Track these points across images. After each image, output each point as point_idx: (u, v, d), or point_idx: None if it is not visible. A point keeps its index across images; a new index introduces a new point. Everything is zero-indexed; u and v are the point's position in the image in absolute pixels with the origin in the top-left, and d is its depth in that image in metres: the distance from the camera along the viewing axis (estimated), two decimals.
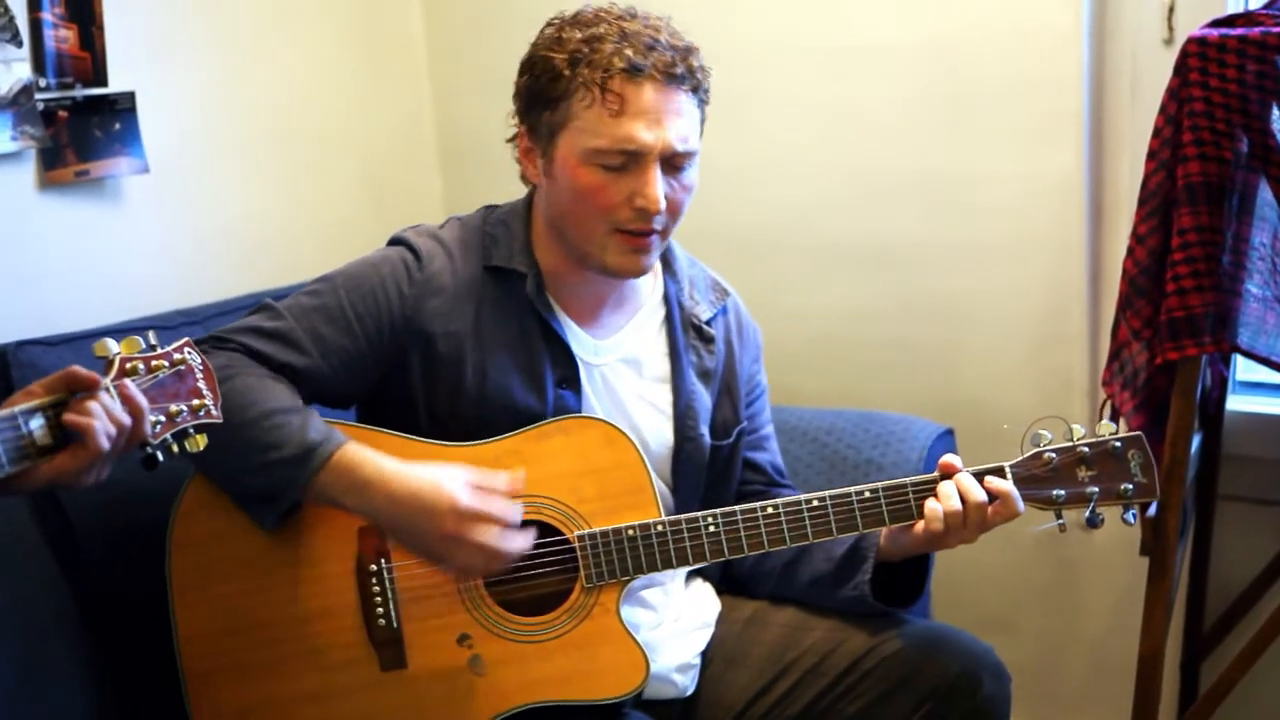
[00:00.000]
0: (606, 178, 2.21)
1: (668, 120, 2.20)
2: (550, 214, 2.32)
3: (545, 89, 2.24)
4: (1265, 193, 2.44)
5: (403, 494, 2.11)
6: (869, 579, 2.29)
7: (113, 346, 1.88)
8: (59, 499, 2.31)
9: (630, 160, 2.20)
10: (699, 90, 2.26)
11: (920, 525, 2.18)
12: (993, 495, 2.17)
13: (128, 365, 1.88)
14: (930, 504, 2.17)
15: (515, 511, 2.12)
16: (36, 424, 1.72)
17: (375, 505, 2.13)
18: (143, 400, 1.83)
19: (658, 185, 2.21)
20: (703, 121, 2.31)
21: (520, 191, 2.43)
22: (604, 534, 2.21)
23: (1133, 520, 2.26)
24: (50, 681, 2.25)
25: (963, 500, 2.16)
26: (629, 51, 2.19)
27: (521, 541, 2.13)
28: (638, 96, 2.19)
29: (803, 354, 2.88)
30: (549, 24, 2.31)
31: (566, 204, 2.26)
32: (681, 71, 2.22)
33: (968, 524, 2.16)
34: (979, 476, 2.19)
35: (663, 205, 2.21)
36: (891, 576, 2.31)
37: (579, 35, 2.22)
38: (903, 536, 2.23)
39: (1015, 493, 2.18)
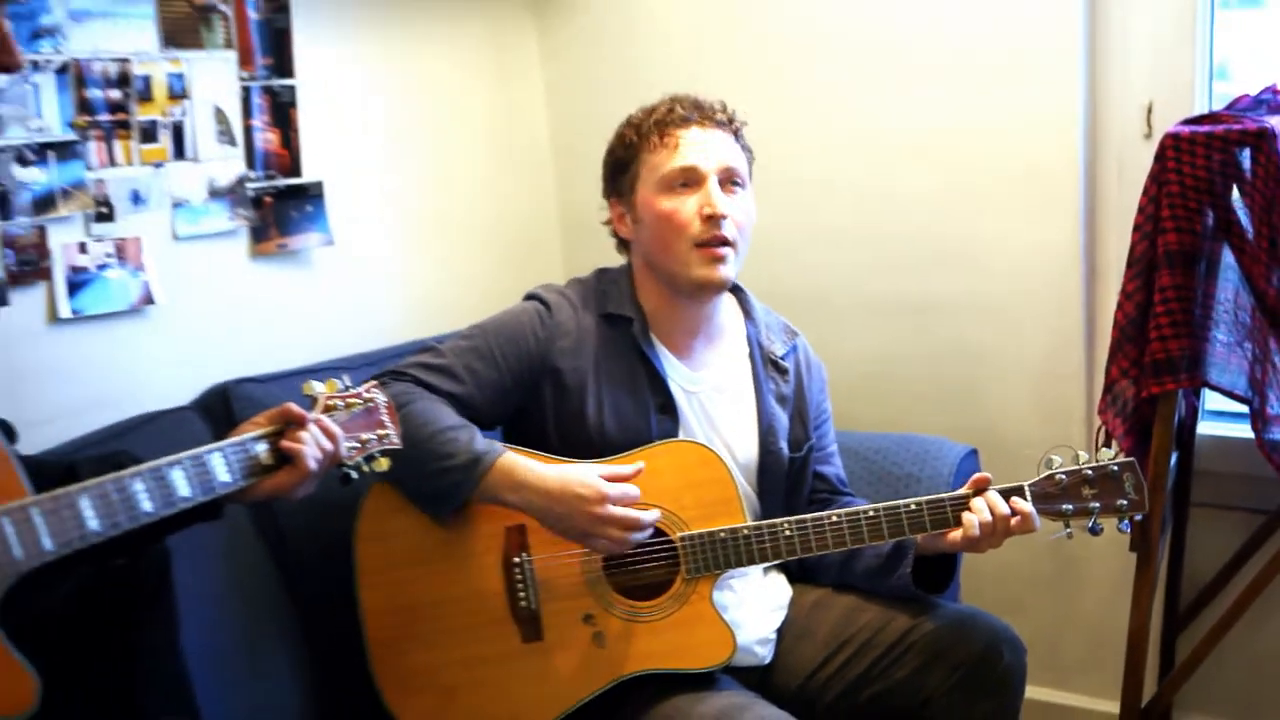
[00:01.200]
0: (677, 201, 2.28)
1: (715, 148, 2.31)
2: (645, 254, 2.37)
3: (621, 156, 2.36)
4: (1228, 257, 2.45)
5: (555, 487, 2.16)
6: (910, 570, 2.28)
7: (317, 387, 1.93)
8: (272, 507, 2.33)
9: (692, 180, 2.28)
10: (739, 136, 2.36)
11: (958, 533, 2.18)
12: (1015, 511, 2.17)
13: (329, 402, 1.92)
14: (967, 516, 2.17)
15: (636, 491, 2.17)
16: (261, 448, 1.76)
17: (532, 498, 2.17)
18: (339, 430, 1.87)
19: (718, 195, 2.28)
20: (750, 164, 2.38)
21: (618, 257, 2.48)
22: (701, 536, 2.23)
23: (1127, 529, 2.26)
24: (268, 652, 2.29)
25: (991, 513, 2.16)
26: (679, 108, 2.32)
27: (650, 515, 2.17)
28: (689, 135, 2.30)
29: (853, 388, 2.87)
30: (620, 124, 2.42)
31: (653, 236, 2.32)
32: (722, 119, 2.34)
33: (995, 533, 2.16)
34: (1005, 495, 2.19)
35: (725, 212, 2.27)
36: (926, 568, 2.31)
37: (640, 113, 2.36)
38: (939, 540, 2.23)
39: (1034, 512, 2.17)
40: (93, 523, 1.52)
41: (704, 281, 2.31)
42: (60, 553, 1.49)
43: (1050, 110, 2.81)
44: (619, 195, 2.38)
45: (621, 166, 2.36)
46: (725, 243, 2.28)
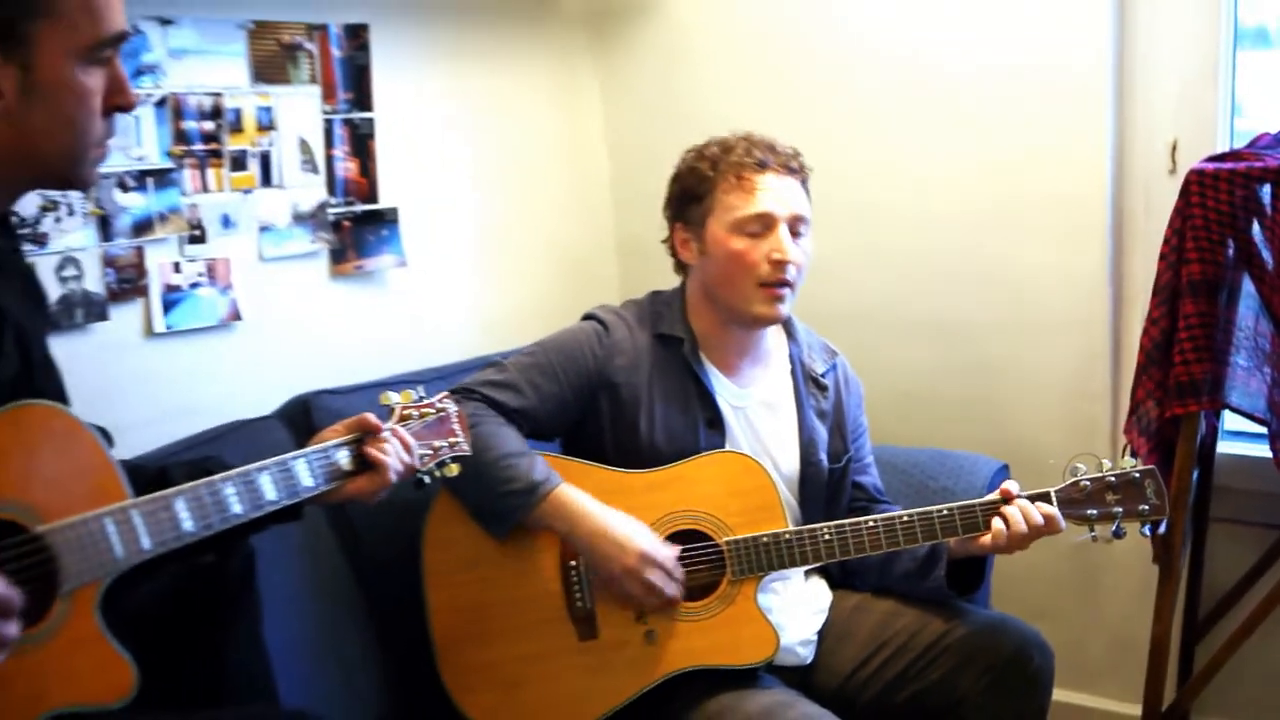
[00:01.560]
0: (749, 243, 2.27)
1: (788, 195, 2.29)
2: (706, 284, 2.36)
3: (694, 188, 2.33)
4: (1248, 287, 2.43)
5: (600, 530, 2.18)
6: (944, 573, 2.28)
7: (394, 397, 1.95)
8: (347, 510, 2.34)
9: (765, 226, 2.27)
10: (805, 182, 2.35)
11: (988, 537, 2.18)
12: (1041, 516, 2.17)
13: (405, 411, 1.93)
14: (997, 522, 2.17)
15: (678, 570, 2.20)
16: (342, 454, 1.78)
17: (578, 534, 2.19)
18: (412, 440, 1.89)
19: (788, 242, 2.27)
20: (809, 205, 2.35)
21: (671, 279, 2.48)
22: (745, 540, 2.23)
23: (1149, 533, 2.25)
24: (343, 646, 2.31)
25: (1021, 517, 2.16)
26: (756, 152, 2.29)
27: (675, 590, 2.19)
28: (766, 180, 2.28)
29: (891, 405, 2.86)
30: (688, 151, 2.40)
31: (720, 270, 2.31)
32: (795, 166, 2.33)
33: (1024, 536, 2.16)
34: (1031, 500, 2.19)
35: (792, 258, 2.27)
36: (958, 571, 2.31)
37: (715, 149, 2.33)
38: (969, 543, 2.23)
39: (1059, 515, 2.18)
40: (187, 524, 1.54)
41: (762, 317, 2.33)
42: (157, 551, 1.51)
43: (1081, 146, 2.80)
44: (686, 223, 2.37)
45: (693, 198, 2.34)
46: (786, 284, 2.29)
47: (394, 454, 1.81)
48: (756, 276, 2.28)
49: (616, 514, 2.21)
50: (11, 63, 1.45)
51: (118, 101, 1.56)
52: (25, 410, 1.47)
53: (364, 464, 1.79)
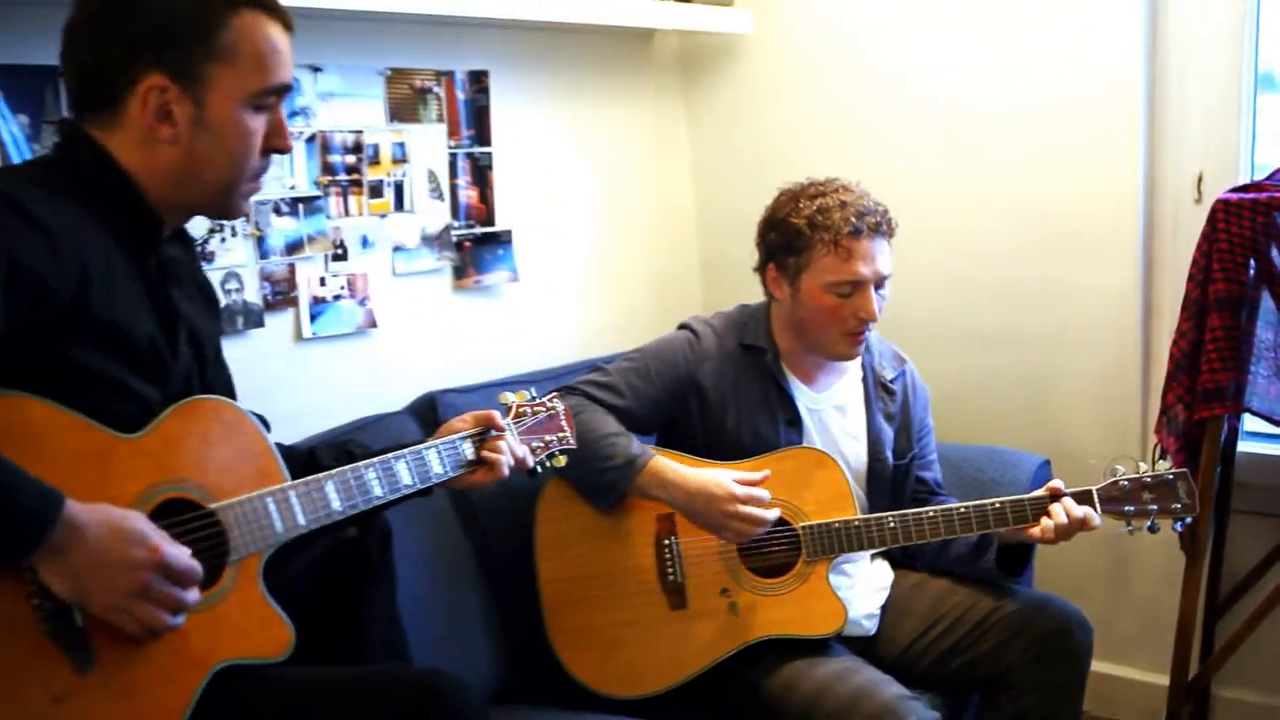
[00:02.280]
0: (839, 301, 2.21)
1: (878, 259, 2.22)
2: (793, 321, 2.31)
3: (791, 242, 2.24)
4: (1268, 304, 2.36)
5: (694, 486, 2.15)
6: (994, 557, 2.25)
7: (510, 397, 1.94)
8: (468, 494, 2.31)
9: (855, 288, 2.21)
10: (892, 236, 2.26)
11: (1037, 529, 2.14)
12: (1081, 513, 2.13)
13: (519, 409, 1.93)
14: (1045, 520, 2.14)
15: (765, 494, 2.15)
16: (468, 447, 1.78)
17: (675, 495, 2.17)
18: (520, 448, 1.88)
19: (874, 302, 2.22)
20: (892, 258, 2.29)
21: (748, 296, 2.45)
22: (819, 525, 2.20)
23: (1180, 529, 2.20)
24: (464, 611, 2.30)
25: (1065, 516, 2.12)
26: (853, 220, 2.19)
27: (771, 514, 2.15)
28: (859, 247, 2.20)
29: (944, 406, 2.79)
30: (782, 194, 2.32)
31: (810, 318, 2.26)
32: (885, 229, 2.24)
33: (1066, 529, 2.12)
34: (1075, 497, 2.15)
35: (876, 315, 2.23)
36: (1006, 555, 2.27)
37: (813, 206, 2.23)
38: (1019, 532, 2.18)
39: (1095, 514, 2.14)
40: (336, 504, 1.55)
41: (842, 357, 2.32)
42: (310, 527, 1.53)
43: (1116, 178, 2.75)
44: (780, 266, 2.29)
45: (790, 249, 2.25)
46: (866, 330, 2.27)
47: (507, 453, 1.81)
48: (843, 328, 2.24)
49: (705, 470, 2.18)
50: (187, 97, 1.47)
51: (276, 144, 1.57)
52: (198, 403, 1.49)
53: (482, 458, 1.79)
